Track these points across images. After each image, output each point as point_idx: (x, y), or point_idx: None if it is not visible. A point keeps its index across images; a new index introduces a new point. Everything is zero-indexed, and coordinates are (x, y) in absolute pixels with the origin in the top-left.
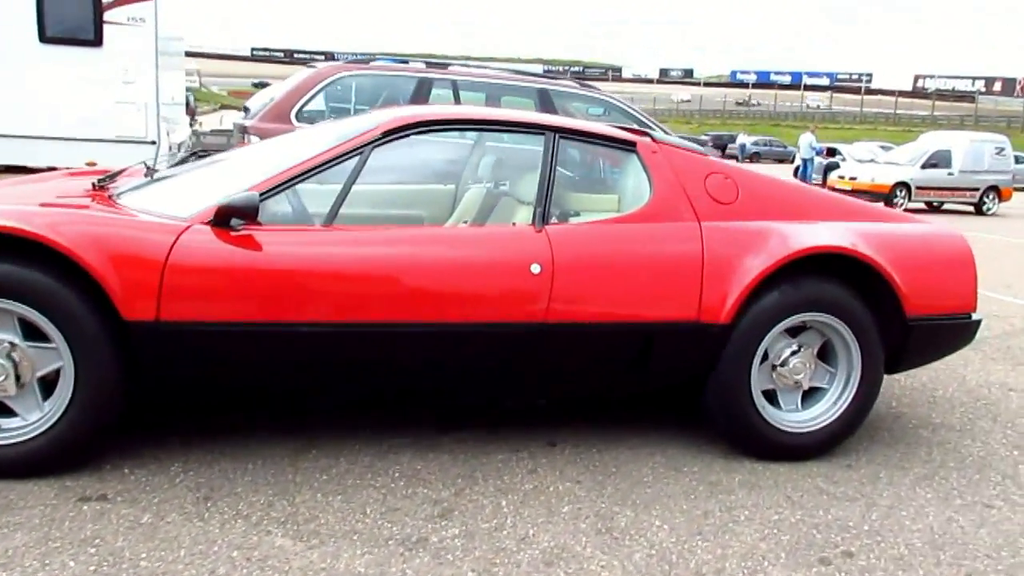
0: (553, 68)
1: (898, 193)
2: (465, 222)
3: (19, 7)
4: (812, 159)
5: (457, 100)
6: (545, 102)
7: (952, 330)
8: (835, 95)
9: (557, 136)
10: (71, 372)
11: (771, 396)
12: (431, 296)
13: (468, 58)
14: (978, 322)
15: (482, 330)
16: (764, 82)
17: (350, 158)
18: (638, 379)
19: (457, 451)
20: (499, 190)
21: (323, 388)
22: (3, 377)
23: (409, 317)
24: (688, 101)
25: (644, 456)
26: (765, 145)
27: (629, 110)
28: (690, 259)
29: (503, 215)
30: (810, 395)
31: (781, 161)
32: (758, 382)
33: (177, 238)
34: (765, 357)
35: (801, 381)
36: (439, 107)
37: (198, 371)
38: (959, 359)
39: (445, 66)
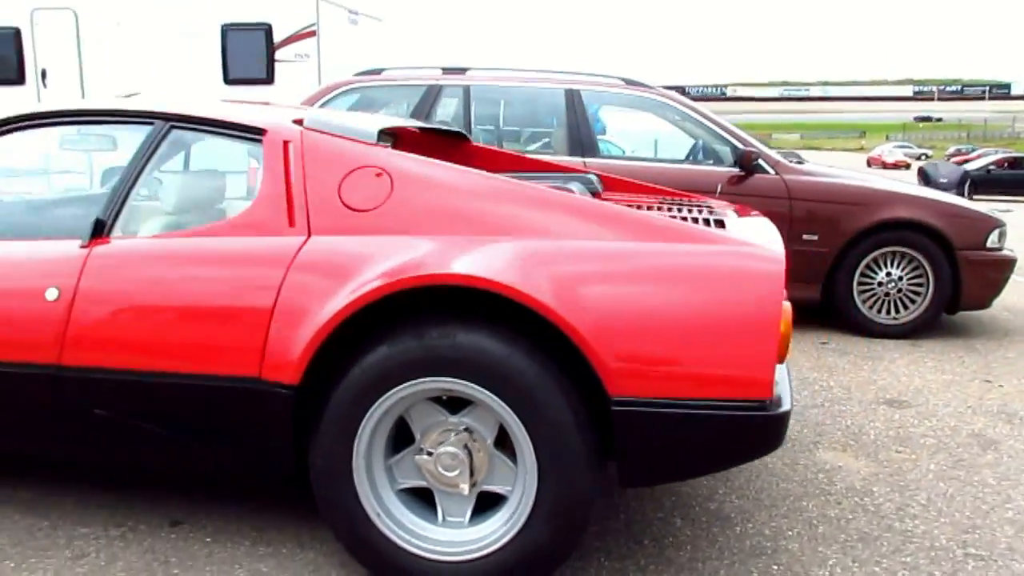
0: (924, 88)
1: None
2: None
3: (208, 55)
4: None
5: (467, 108)
6: (575, 106)
7: (716, 426)
8: None
9: (168, 126)
10: None
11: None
12: None
13: (827, 83)
14: (778, 416)
15: None
16: None
17: None
18: (211, 455)
19: (34, 527)
20: (77, 195)
21: None
22: None
23: None
24: None
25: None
26: None
27: (694, 115)
28: (261, 289)
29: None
30: (496, 504)
31: None
32: (374, 476)
33: None
34: (407, 440)
35: (457, 481)
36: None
37: None
38: (906, 459)
39: (463, 71)
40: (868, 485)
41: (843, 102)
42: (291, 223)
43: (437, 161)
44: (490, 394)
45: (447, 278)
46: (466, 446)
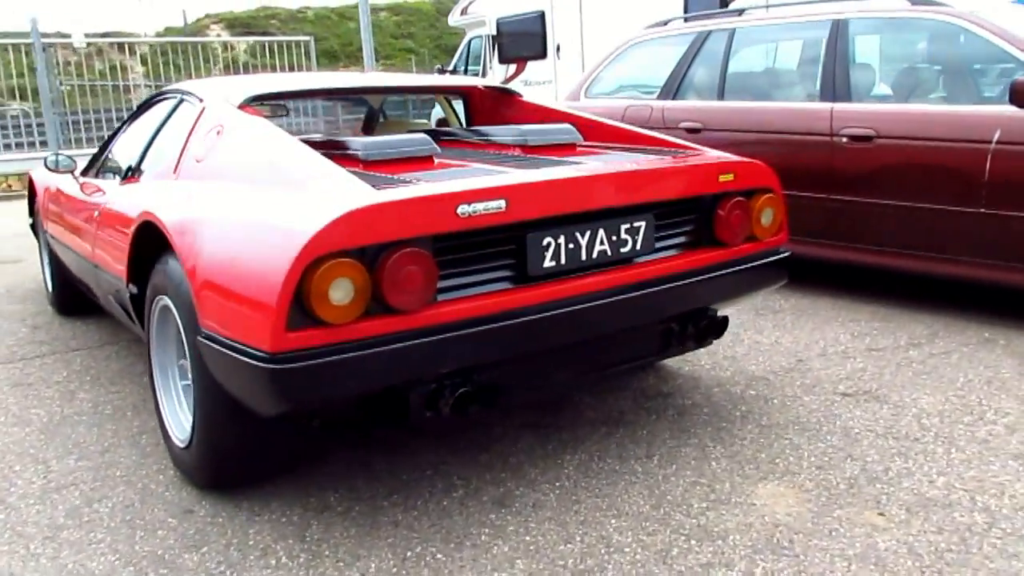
0: None
1: None
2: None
3: None
4: None
5: (726, 54)
6: (836, 42)
7: (235, 369)
8: None
9: (179, 98)
10: None
11: None
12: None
13: None
14: (276, 371)
15: None
16: None
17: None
18: None
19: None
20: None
21: None
22: None
23: None
24: None
25: None
26: None
27: (990, 36)
28: (128, 220)
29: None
30: None
31: None
32: (164, 366)
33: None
34: None
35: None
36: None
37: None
38: None
39: (740, 12)
40: None
41: None
42: (175, 171)
43: (257, 120)
44: (175, 311)
45: (144, 215)
46: None
